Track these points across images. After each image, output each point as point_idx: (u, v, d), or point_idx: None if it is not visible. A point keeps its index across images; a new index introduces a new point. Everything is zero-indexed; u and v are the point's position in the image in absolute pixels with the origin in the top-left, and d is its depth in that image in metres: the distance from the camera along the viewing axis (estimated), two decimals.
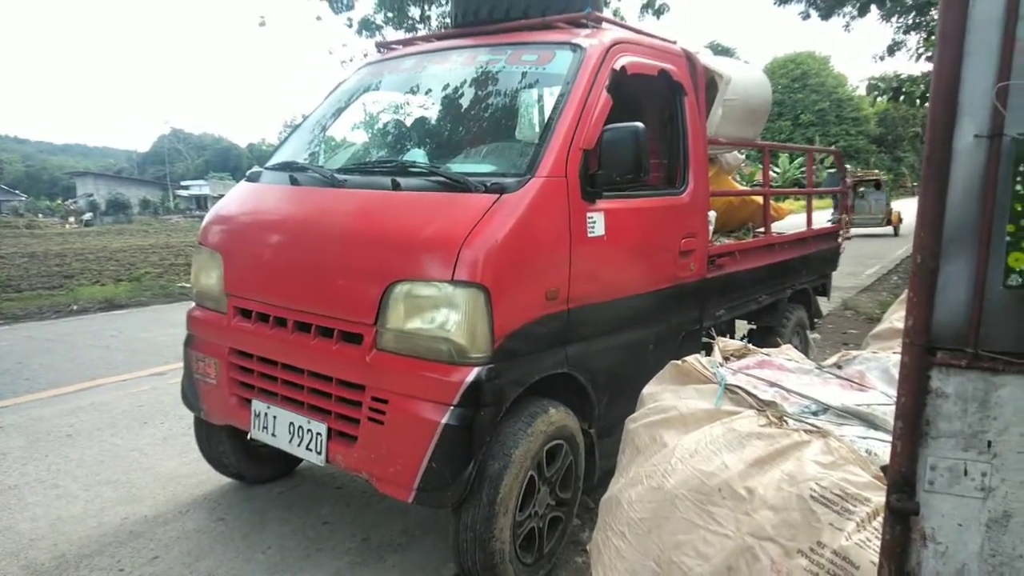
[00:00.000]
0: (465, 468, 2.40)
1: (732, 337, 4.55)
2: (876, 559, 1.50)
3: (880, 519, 1.61)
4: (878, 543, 1.55)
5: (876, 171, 27.61)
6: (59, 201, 61.65)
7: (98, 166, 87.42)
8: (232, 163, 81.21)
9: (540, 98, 3.73)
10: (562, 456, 2.76)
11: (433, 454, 2.38)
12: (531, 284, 2.55)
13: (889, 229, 19.78)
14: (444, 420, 2.36)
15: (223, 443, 3.44)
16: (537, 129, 3.54)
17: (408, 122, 3.54)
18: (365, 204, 2.78)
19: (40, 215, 50.26)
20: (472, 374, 2.37)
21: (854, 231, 18.34)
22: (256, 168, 3.41)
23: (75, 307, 9.29)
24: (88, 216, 48.82)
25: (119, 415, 4.80)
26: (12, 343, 7.21)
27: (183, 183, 69.53)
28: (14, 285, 11.71)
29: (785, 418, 1.99)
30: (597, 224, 2.79)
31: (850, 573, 1.54)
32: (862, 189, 19.84)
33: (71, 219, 47.06)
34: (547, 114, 2.91)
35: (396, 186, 2.70)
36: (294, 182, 3.07)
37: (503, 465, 2.45)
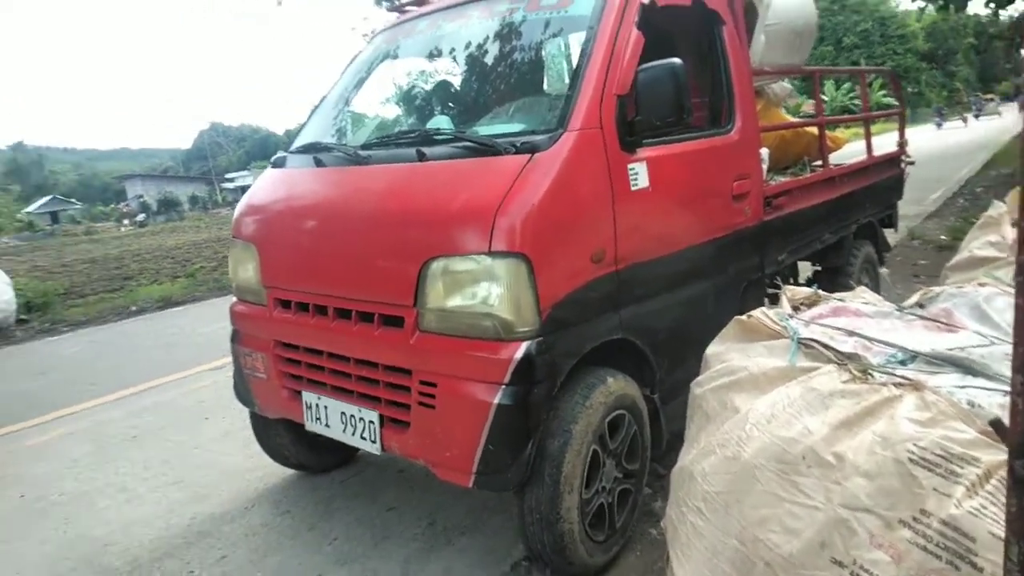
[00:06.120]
0: (524, 448, 2.28)
1: (796, 281, 4.31)
2: (995, 530, 1.31)
3: (994, 481, 1.42)
4: (995, 510, 1.37)
5: None
6: (112, 205, 63.70)
7: (144, 167, 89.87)
8: (271, 151, 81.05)
9: (565, 45, 3.49)
10: (625, 426, 2.61)
11: (489, 436, 2.27)
12: (574, 248, 2.38)
13: None
14: (496, 400, 2.24)
15: (281, 435, 3.40)
16: (565, 79, 3.32)
17: (429, 87, 3.36)
18: (392, 180, 2.64)
19: (96, 221, 52.02)
20: (521, 349, 2.23)
21: None
22: (280, 153, 3.30)
23: (135, 308, 9.51)
24: (141, 217, 50.22)
25: (181, 413, 4.85)
26: (78, 349, 7.41)
27: (227, 176, 70.87)
28: (78, 291, 12.05)
29: (870, 371, 1.79)
30: (640, 175, 2.58)
31: (966, 546, 1.35)
32: None
33: (125, 222, 48.55)
34: (575, 61, 2.70)
35: (422, 157, 2.55)
36: (319, 163, 2.95)
37: (563, 442, 2.32)
